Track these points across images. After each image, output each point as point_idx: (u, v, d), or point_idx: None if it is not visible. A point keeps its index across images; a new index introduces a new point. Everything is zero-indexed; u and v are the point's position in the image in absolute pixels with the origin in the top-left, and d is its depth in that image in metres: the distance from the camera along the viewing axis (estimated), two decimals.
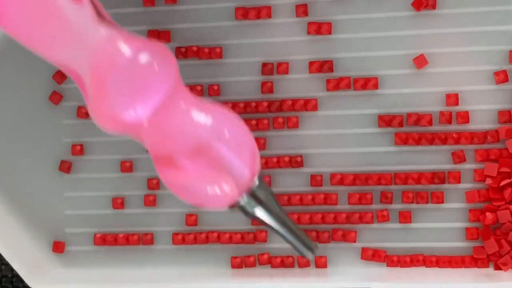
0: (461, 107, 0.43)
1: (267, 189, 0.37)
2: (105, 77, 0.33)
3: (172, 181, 0.35)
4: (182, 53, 0.45)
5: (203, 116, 0.35)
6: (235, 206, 0.36)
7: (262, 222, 0.37)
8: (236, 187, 0.35)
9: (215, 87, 0.45)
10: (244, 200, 0.36)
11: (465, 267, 0.43)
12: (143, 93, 0.34)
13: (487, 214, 0.42)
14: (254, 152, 0.36)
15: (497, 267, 0.42)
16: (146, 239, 0.46)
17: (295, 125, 0.44)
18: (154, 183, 0.46)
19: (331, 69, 0.44)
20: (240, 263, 0.45)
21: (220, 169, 0.34)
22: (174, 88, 0.35)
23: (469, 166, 0.43)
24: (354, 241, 0.44)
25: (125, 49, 0.34)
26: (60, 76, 0.46)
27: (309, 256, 0.37)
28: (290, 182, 0.45)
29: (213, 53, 0.45)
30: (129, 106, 0.34)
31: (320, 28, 0.44)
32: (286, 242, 0.37)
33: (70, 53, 0.34)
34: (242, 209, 0.36)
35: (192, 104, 0.35)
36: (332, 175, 0.44)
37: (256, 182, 0.36)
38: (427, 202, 0.43)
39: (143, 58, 0.34)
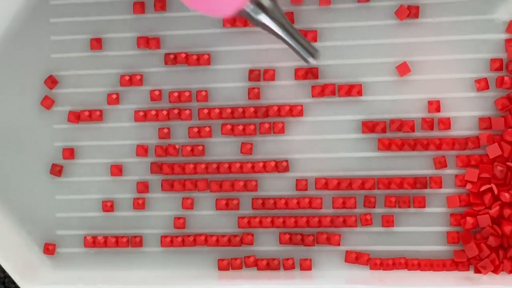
0: (442, 114, 0.44)
1: None
2: None
3: None
4: (171, 59, 0.46)
5: None
6: (241, 12, 0.39)
7: (266, 28, 0.40)
8: None
9: (203, 93, 0.46)
10: (249, 7, 0.39)
11: (446, 270, 0.44)
12: None
13: (468, 218, 0.43)
14: None
15: (477, 271, 0.43)
16: (135, 241, 0.46)
17: (281, 131, 0.45)
18: (143, 187, 0.46)
19: (316, 76, 0.45)
20: (227, 265, 0.46)
21: None
22: None
23: (450, 171, 0.44)
24: (338, 244, 0.45)
25: None
26: (51, 81, 0.47)
27: (311, 60, 0.39)
28: (276, 186, 0.46)
29: (202, 59, 0.46)
30: None
31: (306, 36, 0.45)
32: (290, 47, 0.39)
33: None
34: (248, 15, 0.39)
35: None
36: (317, 180, 0.45)
37: None
38: (409, 207, 0.44)
39: None
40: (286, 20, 0.40)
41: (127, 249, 0.47)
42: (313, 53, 0.39)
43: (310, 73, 0.45)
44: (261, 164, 0.45)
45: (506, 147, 0.43)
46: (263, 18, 0.39)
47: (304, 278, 0.45)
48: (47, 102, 0.47)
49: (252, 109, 0.45)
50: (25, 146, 0.48)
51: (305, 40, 0.40)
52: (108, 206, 0.47)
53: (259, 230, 0.46)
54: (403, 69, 0.44)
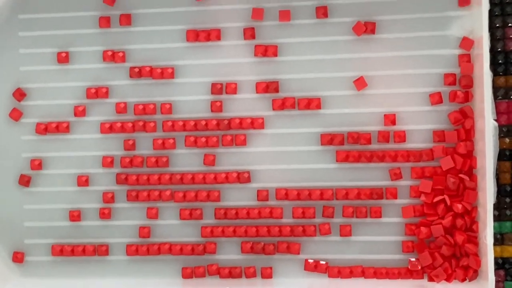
0: (398, 127, 0.45)
1: None
2: None
3: None
4: (135, 73, 0.47)
5: None
6: None
7: None
8: None
9: (167, 106, 0.47)
10: None
11: (401, 278, 0.45)
12: None
13: (422, 228, 0.45)
14: None
15: (431, 279, 0.45)
16: (101, 250, 0.48)
17: (243, 143, 0.47)
18: (109, 197, 0.48)
19: (276, 90, 0.46)
20: (190, 274, 0.47)
21: None
22: None
23: (405, 183, 0.45)
24: (298, 253, 0.46)
25: None
26: (20, 93, 0.48)
27: None
28: (238, 196, 0.47)
29: (165, 73, 0.47)
30: None
31: (266, 51, 0.46)
32: None
33: None
34: None
35: None
36: (278, 190, 0.46)
37: None
38: (366, 217, 0.46)
39: None
40: None
41: (94, 257, 0.48)
42: None
43: (271, 87, 0.46)
44: (223, 175, 0.47)
45: (459, 160, 0.44)
46: None
47: (265, 286, 0.46)
48: (15, 114, 0.48)
49: (214, 122, 0.47)
50: None
51: None
52: (75, 215, 0.48)
53: (222, 239, 0.47)
54: (360, 83, 0.45)
